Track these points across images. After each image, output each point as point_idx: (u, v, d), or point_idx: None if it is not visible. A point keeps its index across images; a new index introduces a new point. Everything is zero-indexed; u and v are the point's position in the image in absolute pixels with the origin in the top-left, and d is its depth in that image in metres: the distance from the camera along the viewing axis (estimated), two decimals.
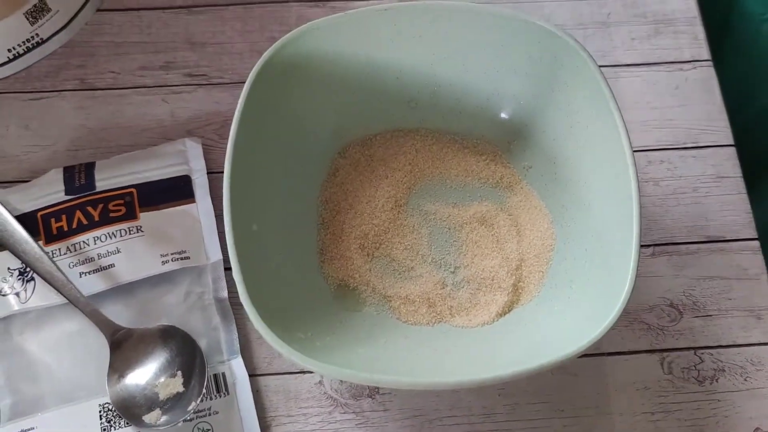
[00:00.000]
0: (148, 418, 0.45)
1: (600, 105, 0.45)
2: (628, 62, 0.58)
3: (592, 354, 0.49)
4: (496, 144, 0.52)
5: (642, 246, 0.51)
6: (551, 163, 0.50)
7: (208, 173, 0.53)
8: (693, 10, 0.60)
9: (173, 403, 0.45)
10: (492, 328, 0.47)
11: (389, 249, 0.50)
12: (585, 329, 0.40)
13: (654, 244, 0.52)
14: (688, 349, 0.49)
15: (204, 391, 0.46)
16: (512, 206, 0.51)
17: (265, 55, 0.47)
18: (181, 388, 0.46)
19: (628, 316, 0.50)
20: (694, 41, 0.59)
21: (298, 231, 0.49)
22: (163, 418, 0.45)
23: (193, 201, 0.52)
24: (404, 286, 0.49)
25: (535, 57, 0.49)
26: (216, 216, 0.52)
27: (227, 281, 0.50)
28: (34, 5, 0.54)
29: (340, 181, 0.51)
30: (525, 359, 0.41)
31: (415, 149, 0.53)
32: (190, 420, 0.46)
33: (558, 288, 0.47)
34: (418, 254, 0.50)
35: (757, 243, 0.52)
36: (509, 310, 0.48)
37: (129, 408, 0.45)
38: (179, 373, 0.46)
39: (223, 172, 0.44)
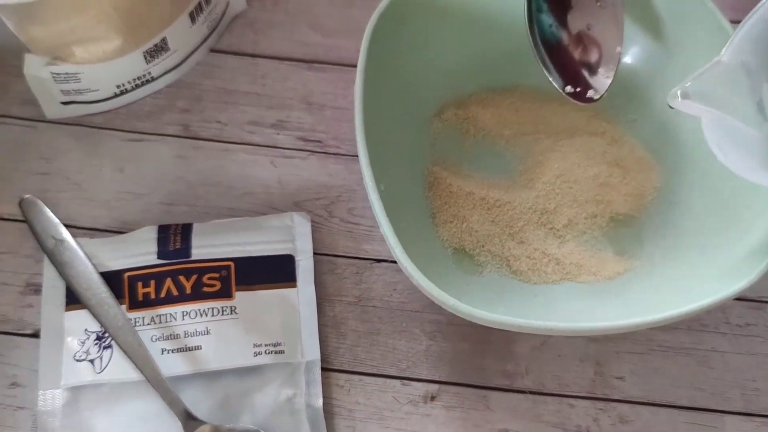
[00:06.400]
0: None
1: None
2: None
3: None
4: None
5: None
6: (660, 113, 0.49)
7: (314, 254, 0.48)
8: None
9: None
10: (622, 281, 0.45)
11: (500, 212, 0.48)
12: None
13: None
14: None
15: None
16: (618, 158, 0.49)
17: (381, 6, 0.46)
18: None
19: None
20: None
21: (413, 193, 0.48)
22: None
23: (295, 285, 0.47)
24: (522, 246, 0.47)
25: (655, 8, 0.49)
26: (318, 305, 0.47)
27: (323, 386, 0.45)
28: (155, 44, 0.49)
29: (441, 145, 0.50)
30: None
31: (514, 108, 0.50)
32: None
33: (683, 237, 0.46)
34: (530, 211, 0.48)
35: None
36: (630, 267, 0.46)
37: None
38: None
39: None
